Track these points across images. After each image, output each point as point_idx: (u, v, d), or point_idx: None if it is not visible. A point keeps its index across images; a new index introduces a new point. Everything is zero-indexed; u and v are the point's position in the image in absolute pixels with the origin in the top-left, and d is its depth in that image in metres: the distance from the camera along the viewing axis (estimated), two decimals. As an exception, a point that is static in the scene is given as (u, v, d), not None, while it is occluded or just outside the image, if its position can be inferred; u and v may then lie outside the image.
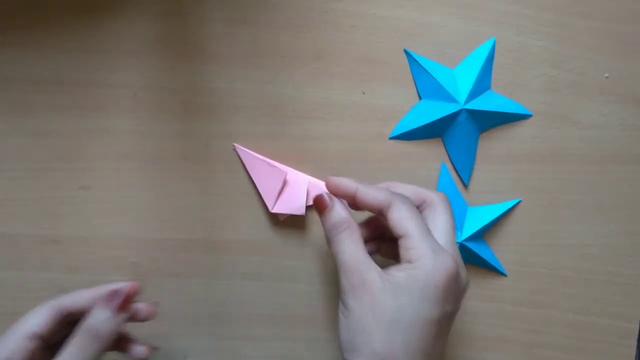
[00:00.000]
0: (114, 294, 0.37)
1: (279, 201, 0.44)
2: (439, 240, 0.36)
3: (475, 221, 0.45)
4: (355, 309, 0.34)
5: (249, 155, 0.45)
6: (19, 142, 0.46)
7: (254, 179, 0.45)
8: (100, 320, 0.36)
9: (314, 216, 0.46)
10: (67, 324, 0.38)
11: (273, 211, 0.44)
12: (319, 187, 0.43)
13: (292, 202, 0.44)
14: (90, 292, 0.38)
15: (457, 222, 0.45)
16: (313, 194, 0.42)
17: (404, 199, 0.37)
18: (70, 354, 0.35)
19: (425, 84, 0.45)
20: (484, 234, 0.46)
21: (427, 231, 0.35)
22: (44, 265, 0.47)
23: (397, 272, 0.34)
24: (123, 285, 0.38)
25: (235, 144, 0.44)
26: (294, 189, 0.44)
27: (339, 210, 0.38)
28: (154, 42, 0.45)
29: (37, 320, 0.37)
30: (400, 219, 0.35)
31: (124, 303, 0.37)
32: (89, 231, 0.46)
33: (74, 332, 0.36)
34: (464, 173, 0.46)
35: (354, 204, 0.38)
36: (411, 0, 0.45)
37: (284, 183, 0.44)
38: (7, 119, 0.45)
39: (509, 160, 0.46)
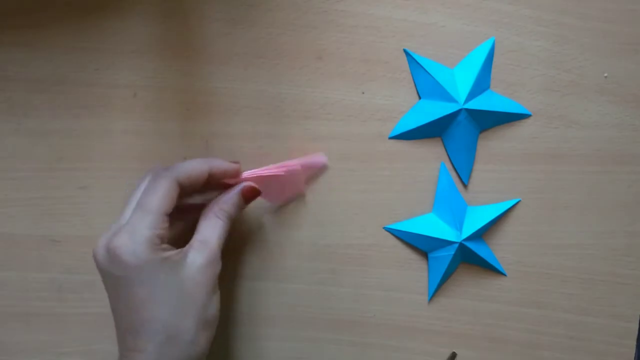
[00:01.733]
0: (247, 190, 0.41)
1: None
2: None
3: (474, 221, 0.45)
4: None
5: (248, 174, 0.43)
6: (18, 142, 0.46)
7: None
8: (236, 204, 0.40)
9: (314, 216, 0.46)
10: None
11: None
12: (310, 164, 0.45)
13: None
14: (203, 165, 0.39)
15: (456, 222, 0.45)
16: (305, 172, 0.45)
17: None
18: (211, 228, 0.39)
19: (424, 83, 0.45)
20: (483, 233, 0.46)
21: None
22: (43, 265, 0.47)
23: None
24: (248, 183, 0.42)
25: (244, 174, 0.42)
26: (293, 181, 0.45)
27: None
28: (154, 42, 0.45)
29: (167, 197, 0.37)
30: None
31: (253, 196, 0.42)
32: (88, 231, 0.46)
33: (207, 211, 0.40)
34: (463, 173, 0.46)
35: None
36: (411, 1, 0.45)
37: (281, 183, 0.44)
38: (7, 118, 0.45)
39: (508, 160, 0.46)
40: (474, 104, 0.44)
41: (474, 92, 0.44)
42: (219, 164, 0.40)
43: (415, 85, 0.45)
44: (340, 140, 0.46)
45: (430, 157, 0.46)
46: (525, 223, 0.47)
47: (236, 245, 0.47)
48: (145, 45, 0.45)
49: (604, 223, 0.47)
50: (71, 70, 0.45)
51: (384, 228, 0.47)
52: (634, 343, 0.48)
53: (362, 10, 0.45)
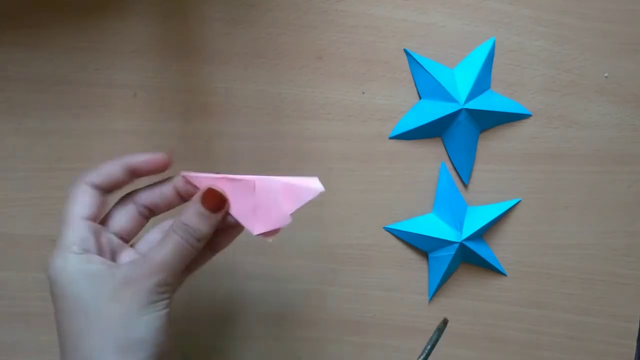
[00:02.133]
0: (207, 195, 0.34)
1: (257, 220, 0.35)
2: None
3: (474, 221, 0.45)
4: None
5: (204, 179, 0.35)
6: (19, 142, 0.46)
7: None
8: (196, 214, 0.33)
9: (315, 217, 0.46)
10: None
11: (256, 234, 0.35)
12: (294, 185, 0.34)
13: (274, 214, 0.35)
14: (118, 164, 0.34)
15: (457, 222, 0.45)
16: (291, 196, 0.34)
17: None
18: (166, 251, 0.32)
19: (425, 83, 0.45)
20: (483, 233, 0.46)
21: None
22: (43, 265, 0.47)
23: None
24: (208, 185, 0.34)
25: (183, 173, 0.35)
26: (268, 198, 0.35)
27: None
28: (154, 42, 0.45)
29: (79, 202, 0.33)
30: None
31: (216, 201, 0.34)
32: (88, 231, 0.46)
33: (169, 228, 0.33)
34: (463, 173, 0.46)
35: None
36: (411, 1, 0.45)
37: (255, 196, 0.35)
38: (7, 118, 0.45)
39: (509, 160, 0.46)
40: (474, 104, 0.44)
41: (474, 92, 0.44)
42: (136, 156, 0.34)
43: (415, 85, 0.45)
44: (340, 140, 0.46)
45: (431, 157, 0.46)
46: (525, 223, 0.47)
47: (237, 245, 0.47)
48: (146, 45, 0.45)
49: (604, 223, 0.47)
50: (71, 70, 0.45)
51: (384, 228, 0.47)
52: (634, 343, 0.48)
53: (362, 10, 0.45)
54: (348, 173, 0.46)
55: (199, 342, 0.48)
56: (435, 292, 0.47)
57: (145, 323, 0.32)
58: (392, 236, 0.47)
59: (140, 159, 0.34)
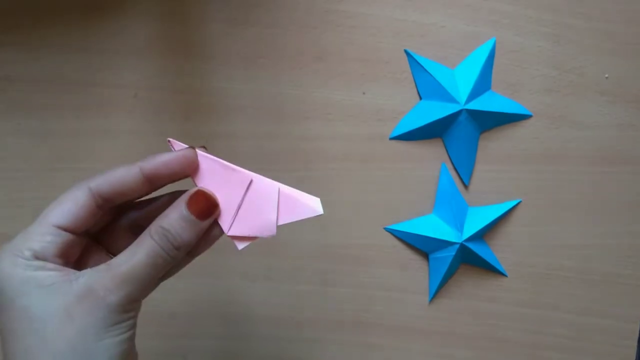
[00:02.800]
0: (196, 197, 0.29)
1: (237, 219, 0.31)
2: None
3: (475, 221, 0.45)
4: None
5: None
6: (20, 142, 0.46)
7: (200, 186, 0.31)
8: (180, 219, 0.28)
9: (315, 217, 0.46)
10: (112, 210, 0.30)
11: (230, 234, 0.31)
12: (294, 197, 0.31)
13: (258, 220, 0.31)
14: (131, 171, 0.29)
15: (457, 223, 0.45)
16: (286, 208, 0.31)
17: None
18: (136, 260, 0.27)
19: (425, 84, 0.45)
20: (484, 234, 0.46)
21: None
22: None
23: None
24: (198, 187, 0.29)
25: (170, 139, 0.31)
26: (260, 201, 0.31)
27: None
28: (155, 42, 0.45)
29: (66, 208, 0.28)
30: None
31: (205, 204, 0.29)
32: (89, 231, 0.46)
33: (145, 231, 0.28)
34: (464, 173, 0.46)
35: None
36: (412, 1, 0.45)
37: (245, 193, 0.31)
38: (9, 119, 0.45)
39: (509, 161, 0.46)
40: (474, 105, 0.44)
41: (475, 93, 0.44)
42: (155, 158, 0.29)
43: (416, 85, 0.45)
44: (340, 141, 0.46)
45: (431, 157, 0.46)
46: (526, 224, 0.47)
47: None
48: (146, 45, 0.45)
49: (605, 223, 0.47)
50: (72, 71, 0.45)
51: (384, 229, 0.46)
52: (634, 344, 0.48)
53: (362, 10, 0.45)
54: (348, 173, 0.46)
55: (198, 343, 0.48)
56: (435, 293, 0.47)
57: (105, 348, 0.26)
58: (392, 237, 0.47)
59: (158, 161, 0.29)
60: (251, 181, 0.31)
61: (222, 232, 0.31)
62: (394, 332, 0.47)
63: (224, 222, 0.31)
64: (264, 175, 0.32)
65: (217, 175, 0.31)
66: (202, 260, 0.46)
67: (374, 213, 0.46)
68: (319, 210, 0.32)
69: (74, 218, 0.28)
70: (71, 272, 0.27)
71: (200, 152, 0.30)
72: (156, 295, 0.46)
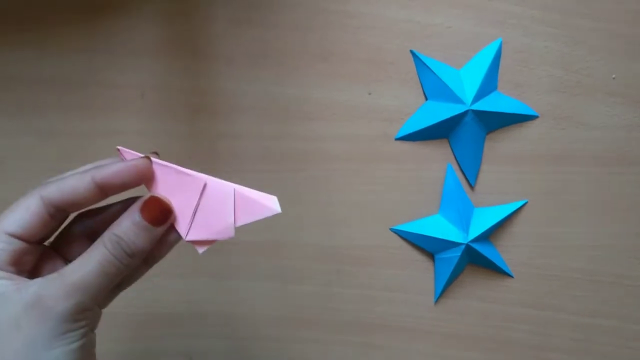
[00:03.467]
0: (149, 204, 0.28)
1: (194, 224, 0.31)
2: None
3: (481, 222, 0.45)
4: None
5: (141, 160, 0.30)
6: (26, 142, 0.46)
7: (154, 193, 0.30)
8: (133, 226, 0.28)
9: (320, 217, 0.46)
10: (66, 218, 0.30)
11: (188, 239, 0.30)
12: (250, 198, 0.31)
13: (216, 223, 0.31)
14: (83, 180, 0.28)
15: (463, 223, 0.45)
16: (243, 209, 0.31)
17: None
18: (87, 268, 0.26)
19: (431, 84, 0.45)
20: (490, 235, 0.46)
21: None
22: None
23: None
24: (151, 194, 0.29)
25: (119, 147, 0.30)
26: (215, 204, 0.31)
27: None
28: (161, 42, 0.45)
29: (18, 216, 0.27)
30: None
31: (159, 211, 0.28)
32: (95, 231, 0.47)
33: (98, 239, 0.28)
34: (470, 174, 0.46)
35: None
36: (417, 2, 0.45)
37: (201, 197, 0.31)
38: (15, 118, 0.46)
39: (516, 161, 0.46)
40: (480, 105, 0.44)
41: (481, 93, 0.44)
42: (105, 167, 0.28)
43: (421, 86, 0.45)
44: (346, 141, 0.46)
45: (437, 158, 0.46)
46: (532, 224, 0.46)
47: (241, 246, 0.47)
48: (153, 46, 0.45)
49: (612, 224, 0.47)
50: (79, 71, 0.45)
51: (390, 229, 0.46)
52: (642, 346, 0.47)
53: (368, 10, 0.45)
54: (354, 174, 0.46)
55: (204, 343, 0.48)
56: (441, 294, 0.47)
57: (55, 358, 0.25)
58: (398, 237, 0.46)
59: (110, 170, 0.28)
60: (205, 184, 0.30)
61: (179, 237, 0.30)
62: (399, 332, 0.47)
63: (182, 227, 0.30)
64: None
65: (171, 181, 0.30)
66: (206, 260, 0.47)
67: (379, 214, 0.46)
68: (276, 209, 0.31)
69: (26, 226, 0.27)
70: (22, 281, 0.26)
71: (152, 159, 0.30)
72: (161, 296, 0.47)
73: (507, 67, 0.45)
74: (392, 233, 0.46)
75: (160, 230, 0.29)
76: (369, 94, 0.45)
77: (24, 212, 0.27)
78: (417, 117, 0.45)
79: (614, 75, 0.45)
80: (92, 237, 0.29)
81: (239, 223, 0.31)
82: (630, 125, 0.46)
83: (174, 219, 0.30)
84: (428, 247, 0.46)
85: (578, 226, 0.47)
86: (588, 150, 0.46)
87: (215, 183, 0.31)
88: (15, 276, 0.27)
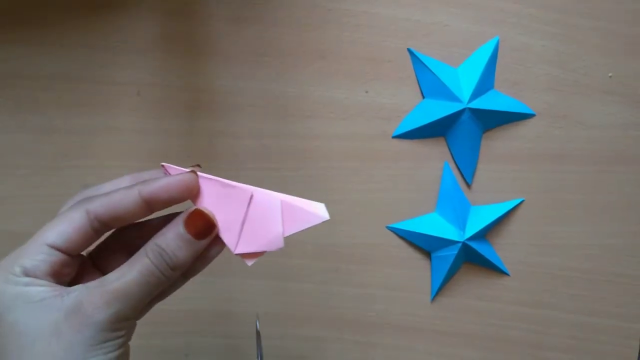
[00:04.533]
0: (193, 217, 0.28)
1: (243, 237, 0.30)
2: None
3: (478, 220, 0.45)
4: None
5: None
6: (23, 139, 0.46)
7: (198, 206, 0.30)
8: (176, 238, 0.28)
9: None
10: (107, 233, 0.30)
11: (237, 252, 0.30)
12: (297, 206, 0.31)
13: (264, 234, 0.30)
14: (130, 195, 0.28)
15: (460, 222, 0.45)
16: (291, 218, 0.30)
17: None
18: (128, 278, 0.27)
19: (428, 83, 0.45)
20: (486, 233, 0.46)
21: None
22: None
23: None
24: (195, 207, 0.29)
25: (164, 164, 0.30)
26: (263, 214, 0.30)
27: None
28: (159, 39, 0.45)
29: (61, 228, 0.27)
30: None
31: (203, 225, 0.28)
32: (92, 228, 0.47)
33: (140, 250, 0.28)
34: (467, 172, 0.46)
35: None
36: (415, 0, 0.45)
37: (248, 208, 0.30)
38: (12, 115, 0.46)
39: (512, 160, 0.46)
40: (478, 104, 0.44)
41: (478, 92, 0.44)
42: (153, 183, 0.28)
43: (419, 84, 0.45)
44: (343, 139, 0.46)
45: (434, 156, 0.46)
46: (529, 223, 0.47)
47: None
48: (150, 43, 0.45)
49: (608, 223, 0.47)
50: (76, 68, 0.45)
51: (387, 227, 0.47)
52: (637, 344, 0.47)
53: (366, 9, 0.45)
54: (351, 172, 0.46)
55: (200, 341, 0.48)
56: (437, 292, 0.47)
57: None
58: (395, 235, 0.47)
59: (157, 185, 0.28)
60: (252, 196, 0.30)
61: (219, 251, 0.30)
62: (395, 330, 0.47)
63: (230, 240, 0.30)
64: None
65: (216, 194, 0.30)
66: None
67: (376, 212, 0.46)
68: (325, 216, 0.31)
69: (68, 239, 0.27)
70: (62, 289, 0.27)
71: (183, 171, 0.30)
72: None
73: (504, 65, 0.45)
74: (389, 231, 0.47)
75: (203, 243, 0.29)
76: (366, 92, 0.45)
77: (68, 225, 0.27)
78: (414, 115, 0.45)
79: (610, 74, 0.45)
80: (131, 251, 0.29)
81: (288, 232, 0.30)
82: (627, 124, 0.46)
83: (216, 233, 0.29)
84: (425, 245, 0.46)
85: (574, 225, 0.47)
86: (585, 149, 0.46)
87: (261, 194, 0.30)
88: (54, 284, 0.27)
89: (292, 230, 0.30)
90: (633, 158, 0.46)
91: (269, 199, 0.30)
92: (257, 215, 0.30)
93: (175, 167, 0.30)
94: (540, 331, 0.47)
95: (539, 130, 0.46)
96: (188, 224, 0.28)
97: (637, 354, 0.48)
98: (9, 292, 0.26)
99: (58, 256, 0.27)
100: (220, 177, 0.45)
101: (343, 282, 0.47)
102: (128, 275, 0.27)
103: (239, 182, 0.30)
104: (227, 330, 0.48)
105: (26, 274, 0.26)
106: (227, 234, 0.30)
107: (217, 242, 0.30)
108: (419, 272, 0.47)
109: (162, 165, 0.30)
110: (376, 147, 0.46)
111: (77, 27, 0.45)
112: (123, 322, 0.27)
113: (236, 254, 0.30)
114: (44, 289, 0.26)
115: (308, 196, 0.46)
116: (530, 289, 0.47)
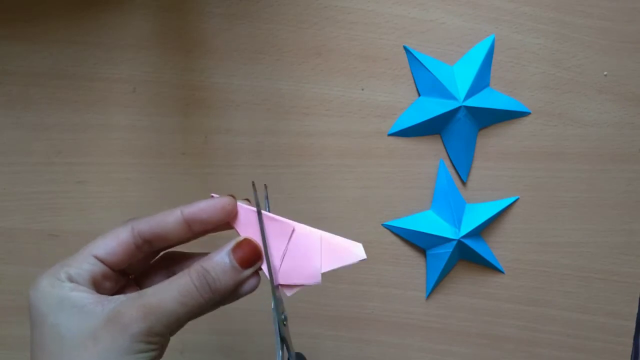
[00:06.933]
0: (242, 245, 0.30)
1: (282, 269, 0.32)
2: None
3: (473, 218, 0.45)
4: None
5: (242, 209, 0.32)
6: (17, 135, 0.46)
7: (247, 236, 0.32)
8: (222, 265, 0.29)
9: (313, 213, 0.46)
10: (152, 252, 0.31)
11: (279, 283, 0.32)
12: (336, 244, 0.31)
13: (303, 268, 0.31)
14: (172, 214, 0.30)
15: (455, 219, 0.45)
16: (329, 254, 0.31)
17: None
18: (167, 294, 0.28)
19: (424, 80, 0.45)
20: (481, 231, 0.46)
21: None
22: (41, 259, 0.47)
23: None
24: (243, 237, 0.30)
25: (213, 194, 0.32)
26: (303, 249, 0.31)
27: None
28: (154, 36, 0.45)
29: (107, 242, 0.29)
30: None
31: (249, 253, 0.30)
32: (86, 225, 0.46)
33: (185, 270, 0.29)
34: (462, 170, 0.46)
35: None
36: (411, -3, 0.45)
37: (289, 242, 0.32)
38: (6, 112, 0.45)
39: (507, 158, 0.46)
40: (473, 102, 0.44)
41: (474, 90, 0.44)
42: (196, 203, 0.30)
43: (414, 82, 0.45)
44: (339, 137, 0.46)
45: (429, 154, 0.46)
46: (523, 221, 0.47)
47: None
48: (145, 40, 0.45)
49: (602, 221, 0.47)
50: (70, 65, 0.45)
51: (382, 225, 0.47)
52: (630, 341, 0.48)
53: (362, 6, 0.45)
54: (347, 169, 0.46)
55: (194, 338, 0.48)
56: (432, 289, 0.47)
57: None
58: (390, 233, 0.47)
59: (197, 206, 0.30)
60: (293, 230, 0.31)
61: (257, 285, 0.31)
62: (390, 328, 0.47)
63: (270, 272, 0.31)
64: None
65: (259, 227, 0.31)
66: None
67: (371, 209, 0.46)
68: (362, 255, 0.31)
69: (112, 252, 0.29)
70: (103, 297, 0.28)
71: (241, 205, 0.31)
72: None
73: (500, 63, 0.45)
74: (385, 229, 0.47)
75: (247, 272, 0.30)
76: (362, 89, 0.45)
77: (113, 239, 0.29)
78: (409, 113, 0.45)
79: (605, 73, 0.46)
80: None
81: (325, 269, 0.31)
82: (621, 123, 0.46)
83: (261, 264, 0.31)
84: (420, 242, 0.46)
85: (569, 223, 0.47)
86: (579, 147, 0.46)
87: (302, 229, 0.31)
88: (96, 293, 0.28)
89: (330, 267, 0.31)
90: (627, 156, 0.46)
91: (309, 235, 0.31)
92: (297, 250, 0.31)
93: (240, 203, 0.31)
94: (534, 328, 0.48)
95: (534, 128, 0.46)
96: (236, 250, 0.30)
97: (630, 352, 0.48)
98: (54, 296, 0.27)
99: (101, 267, 0.29)
100: (216, 172, 0.45)
101: (338, 279, 0.47)
102: (167, 291, 0.28)
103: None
104: (221, 327, 0.48)
105: (70, 280, 0.28)
106: (269, 267, 0.31)
107: (255, 275, 0.31)
108: (414, 269, 0.47)
109: (212, 196, 0.32)
110: (372, 144, 0.46)
111: (71, 23, 0.45)
112: (156, 336, 0.27)
113: (276, 285, 0.31)
114: (86, 296, 0.28)
115: (302, 193, 0.46)
116: (524, 286, 0.47)
